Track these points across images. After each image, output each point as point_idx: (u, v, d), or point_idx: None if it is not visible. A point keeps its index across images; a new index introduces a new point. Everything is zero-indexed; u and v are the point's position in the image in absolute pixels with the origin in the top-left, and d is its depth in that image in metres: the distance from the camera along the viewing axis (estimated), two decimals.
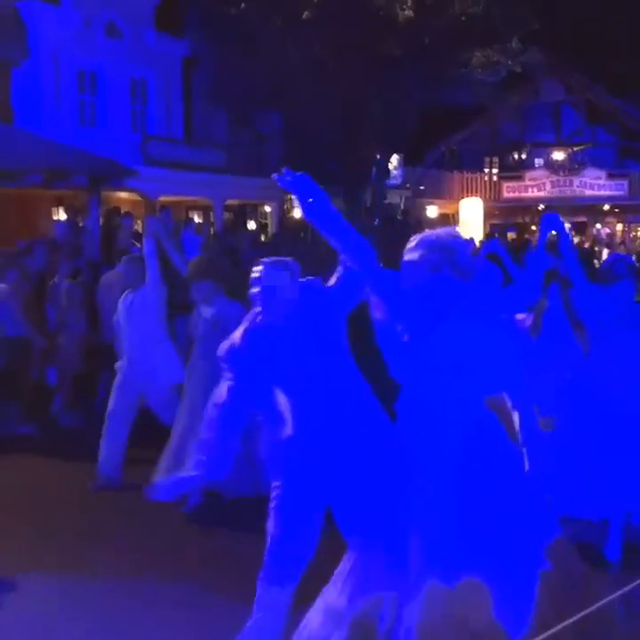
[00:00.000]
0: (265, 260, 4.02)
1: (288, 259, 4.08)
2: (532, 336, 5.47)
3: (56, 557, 5.48)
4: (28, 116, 18.27)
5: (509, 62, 21.59)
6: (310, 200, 3.69)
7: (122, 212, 16.83)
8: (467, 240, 3.58)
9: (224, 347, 3.95)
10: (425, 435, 3.35)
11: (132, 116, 21.32)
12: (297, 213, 25.44)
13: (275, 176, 3.93)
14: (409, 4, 19.94)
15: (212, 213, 21.72)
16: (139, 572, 5.19)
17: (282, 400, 3.87)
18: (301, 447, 3.80)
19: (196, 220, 22.00)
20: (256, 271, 3.94)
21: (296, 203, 4.10)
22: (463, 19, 20.25)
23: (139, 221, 18.36)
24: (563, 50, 27.66)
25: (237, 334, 3.94)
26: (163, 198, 18.78)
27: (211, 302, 6.37)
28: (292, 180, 3.82)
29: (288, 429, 3.84)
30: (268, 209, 24.38)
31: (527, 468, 3.88)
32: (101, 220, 16.02)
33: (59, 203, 18.07)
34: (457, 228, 3.68)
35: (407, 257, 3.51)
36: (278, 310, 3.87)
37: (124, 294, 7.27)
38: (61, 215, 17.63)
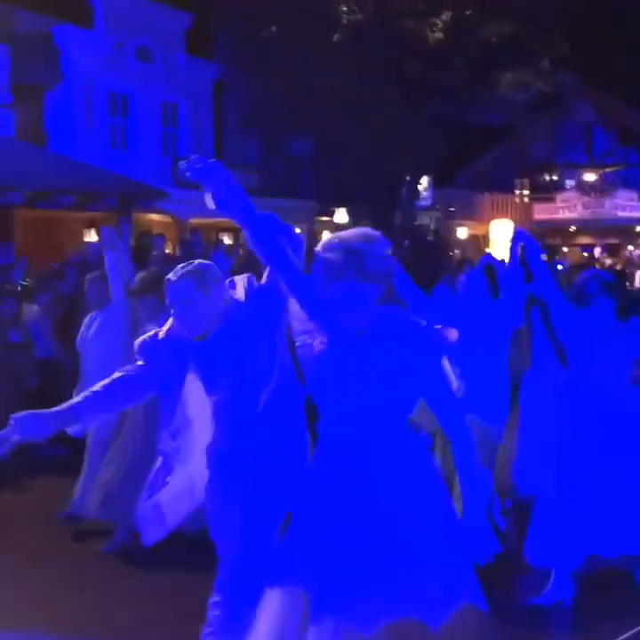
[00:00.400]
0: (173, 272, 3.67)
1: (206, 265, 3.72)
2: (525, 365, 5.31)
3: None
4: (60, 138, 18.45)
5: (540, 83, 21.54)
6: (221, 189, 3.33)
7: (153, 233, 16.92)
8: (381, 242, 3.14)
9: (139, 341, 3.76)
10: (338, 462, 3.00)
11: (163, 139, 21.47)
12: (325, 235, 25.44)
13: (182, 164, 3.50)
14: (439, 26, 19.98)
15: (242, 235, 21.73)
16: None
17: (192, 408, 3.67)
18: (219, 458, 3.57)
19: (227, 241, 22.06)
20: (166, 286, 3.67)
21: (209, 197, 3.34)
22: (494, 40, 20.24)
23: (170, 243, 18.45)
24: (594, 70, 27.56)
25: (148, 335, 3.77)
26: (193, 220, 18.83)
27: (156, 319, 5.47)
28: (202, 168, 3.40)
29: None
30: (297, 230, 24.38)
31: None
32: (132, 242, 16.09)
33: (90, 224, 18.19)
34: (372, 231, 3.21)
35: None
36: (190, 324, 3.60)
37: (89, 315, 6.73)
38: (93, 237, 17.74)
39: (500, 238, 30.50)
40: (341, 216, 24.78)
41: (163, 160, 20.32)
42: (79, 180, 15.27)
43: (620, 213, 30.88)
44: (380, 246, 3.12)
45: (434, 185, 28.84)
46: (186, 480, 3.65)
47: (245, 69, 21.13)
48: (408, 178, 23.52)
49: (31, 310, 9.31)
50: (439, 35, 20.11)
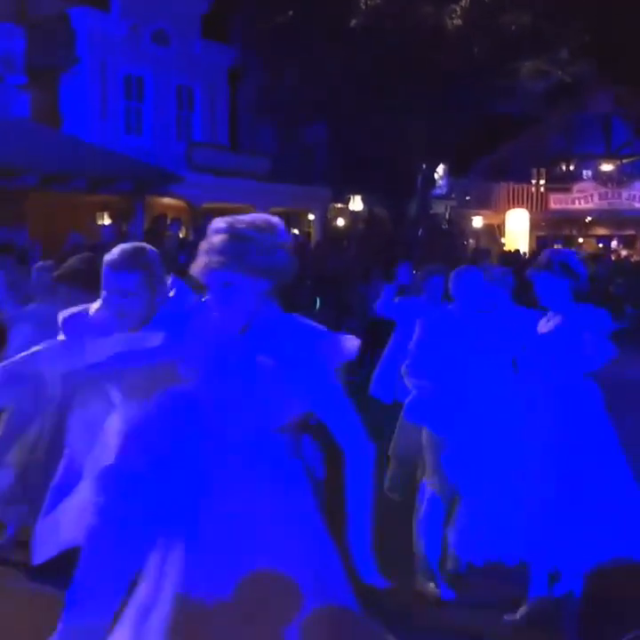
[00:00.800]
0: (116, 259, 3.29)
1: (154, 258, 3.33)
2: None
3: None
4: (75, 121, 18.40)
5: (559, 72, 21.36)
6: None
7: (169, 218, 16.89)
8: (276, 233, 2.79)
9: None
10: (210, 462, 2.81)
11: (178, 123, 21.38)
12: (340, 222, 25.36)
13: None
14: (458, 13, 19.82)
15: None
16: None
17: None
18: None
19: None
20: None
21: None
22: (513, 28, 20.07)
23: (183, 228, 18.41)
24: (613, 61, 27.31)
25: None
26: (206, 205, 18.77)
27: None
28: None
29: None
30: (311, 217, 24.32)
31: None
32: (146, 226, 16.06)
33: (104, 208, 18.15)
34: (272, 220, 2.84)
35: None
36: (126, 318, 3.24)
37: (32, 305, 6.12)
38: (106, 220, 17.71)
39: (515, 228, 30.37)
40: (356, 203, 24.70)
41: (177, 144, 20.24)
42: (93, 164, 15.22)
43: (637, 204, 30.63)
44: (271, 237, 2.78)
45: (450, 174, 28.70)
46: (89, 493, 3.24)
47: (261, 55, 21.04)
48: (424, 166, 23.39)
49: None
50: (458, 22, 19.95)
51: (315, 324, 2.84)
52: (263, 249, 2.75)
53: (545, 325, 4.49)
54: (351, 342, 2.79)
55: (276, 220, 2.84)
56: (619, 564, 4.15)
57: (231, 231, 2.75)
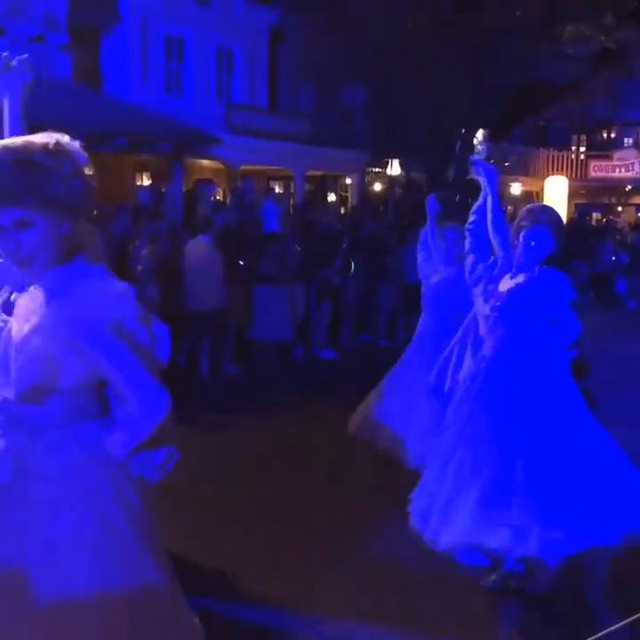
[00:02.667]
0: None
1: None
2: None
3: None
4: (115, 81, 18.48)
5: (603, 38, 21.05)
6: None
7: (207, 180, 17.02)
8: (74, 156, 2.34)
9: None
10: None
11: (218, 85, 21.40)
12: (377, 186, 25.30)
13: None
14: None
15: (292, 184, 21.74)
16: None
17: None
18: None
19: (277, 190, 22.06)
20: None
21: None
22: None
23: (220, 190, 18.50)
24: None
25: None
26: (244, 167, 18.84)
27: None
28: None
29: None
30: (348, 181, 24.29)
31: None
32: (184, 187, 16.17)
33: (143, 168, 18.28)
34: (62, 139, 2.37)
35: None
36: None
37: None
38: (145, 181, 17.85)
39: (554, 195, 30.11)
40: (394, 168, 24.61)
41: (216, 106, 20.27)
42: (133, 124, 15.33)
43: None
44: (71, 162, 2.34)
45: (489, 139, 28.44)
46: None
47: (302, 15, 20.93)
48: (463, 131, 23.21)
49: None
50: None
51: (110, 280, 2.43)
52: (63, 178, 2.30)
53: (507, 283, 4.41)
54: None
55: (65, 138, 2.40)
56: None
57: (20, 158, 2.26)
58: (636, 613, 3.97)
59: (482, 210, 4.73)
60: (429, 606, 4.37)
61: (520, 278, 4.37)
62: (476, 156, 5.00)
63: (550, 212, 4.51)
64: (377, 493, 5.97)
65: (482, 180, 4.73)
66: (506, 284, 4.40)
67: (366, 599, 4.45)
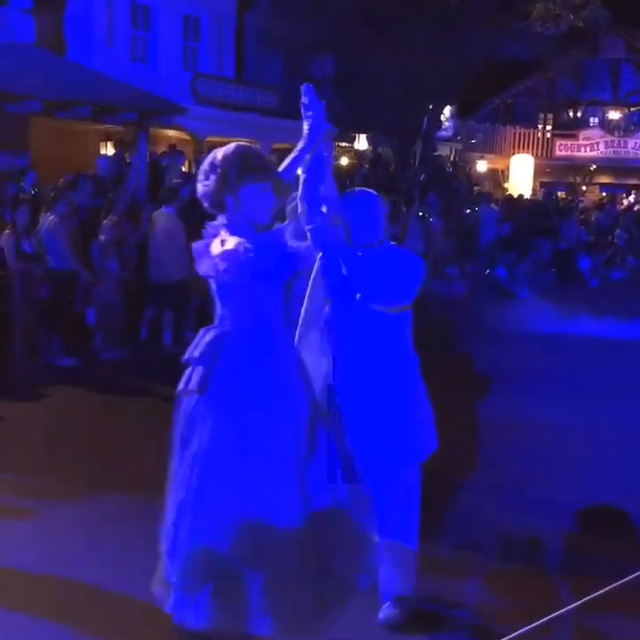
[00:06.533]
0: None
1: None
2: None
3: (83, 485, 5.55)
4: (80, 48, 18.18)
5: (571, 16, 21.10)
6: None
7: (175, 149, 16.86)
8: None
9: None
10: None
11: (184, 54, 21.14)
12: (344, 161, 25.23)
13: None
14: None
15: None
16: None
17: None
18: None
19: None
20: None
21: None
22: None
23: (187, 161, 18.33)
24: (625, 6, 26.93)
25: None
26: (210, 138, 18.67)
27: None
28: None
29: None
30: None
31: None
32: (148, 158, 15.99)
33: (107, 137, 18.05)
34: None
35: None
36: None
37: None
38: (109, 150, 17.63)
39: (519, 173, 30.23)
40: (361, 143, 24.55)
41: (183, 75, 20.02)
42: (98, 92, 15.10)
43: None
44: None
45: (456, 116, 28.48)
46: None
47: None
48: (431, 107, 23.20)
49: (46, 220, 9.31)
50: None
51: None
52: None
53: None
54: None
55: None
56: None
57: None
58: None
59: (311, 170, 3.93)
60: None
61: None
62: (307, 99, 4.01)
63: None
64: None
65: (305, 128, 4.00)
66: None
67: None
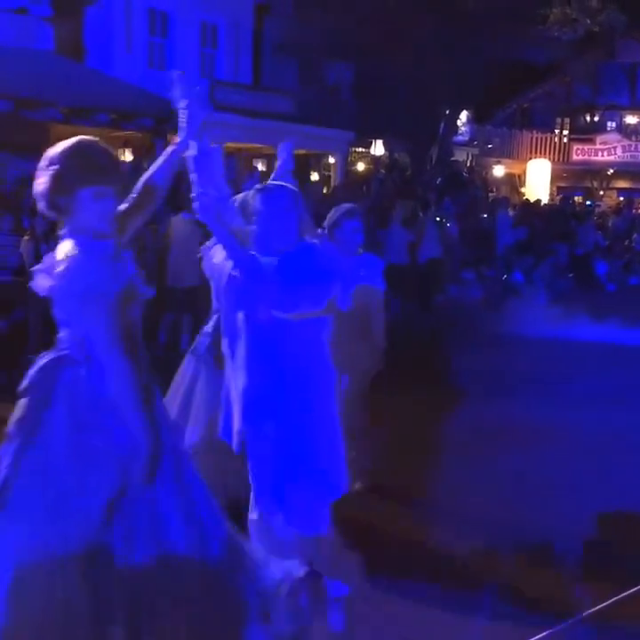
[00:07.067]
0: None
1: None
2: None
3: None
4: (99, 55, 18.32)
5: (588, 21, 21.06)
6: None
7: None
8: None
9: None
10: None
11: (201, 61, 21.25)
12: (360, 166, 25.27)
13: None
14: None
15: (275, 162, 21.61)
16: None
17: None
18: None
19: (260, 168, 21.98)
20: None
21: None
22: None
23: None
24: None
25: None
26: (227, 144, 18.75)
27: None
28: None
29: None
30: (331, 160, 24.23)
31: None
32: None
33: (125, 144, 18.15)
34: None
35: None
36: None
37: None
38: (128, 156, 17.73)
39: (536, 178, 30.18)
40: (378, 148, 24.58)
41: (200, 81, 20.11)
42: (116, 99, 15.21)
43: None
44: None
45: (473, 120, 28.46)
46: None
47: None
48: (447, 112, 23.20)
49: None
50: None
51: None
52: None
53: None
54: None
55: None
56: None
57: None
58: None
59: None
60: None
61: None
62: (178, 87, 3.61)
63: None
64: None
65: (181, 120, 3.63)
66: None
67: None
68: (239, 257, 3.40)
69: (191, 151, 3.57)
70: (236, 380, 3.58)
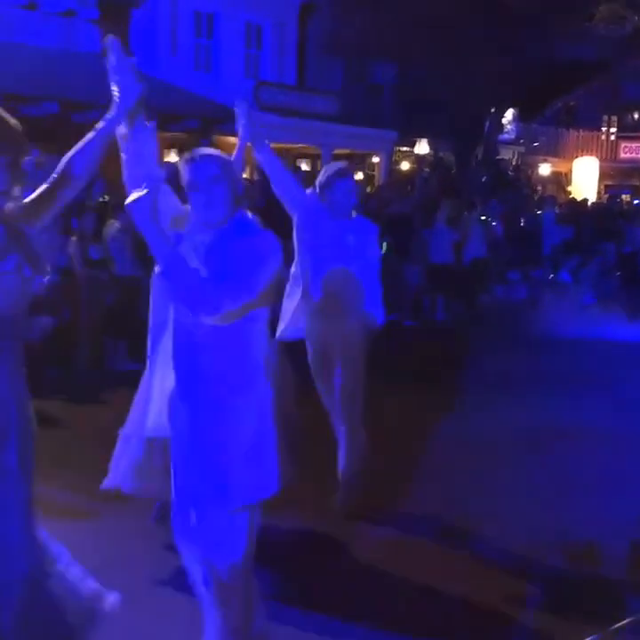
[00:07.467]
0: None
1: None
2: None
3: None
4: (144, 57, 18.47)
5: (636, 17, 20.80)
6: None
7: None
8: None
9: None
10: None
11: (246, 61, 21.35)
12: (405, 165, 25.21)
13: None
14: None
15: (319, 162, 21.68)
16: None
17: None
18: None
19: (304, 168, 22.02)
20: None
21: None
22: None
23: (248, 167, 18.48)
24: None
25: None
26: (272, 145, 18.78)
27: None
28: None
29: None
30: (375, 160, 24.20)
31: None
32: None
33: (171, 145, 18.30)
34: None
35: None
36: None
37: None
38: (173, 158, 17.87)
39: (583, 176, 29.88)
40: (422, 147, 24.50)
41: (245, 82, 20.24)
42: (162, 100, 15.33)
43: None
44: None
45: (519, 118, 28.25)
46: None
47: None
48: (492, 110, 23.08)
49: (112, 227, 9.48)
50: None
51: None
52: None
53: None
54: None
55: None
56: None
57: None
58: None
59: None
60: None
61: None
62: (114, 58, 3.16)
63: None
64: None
65: (114, 96, 3.21)
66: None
67: None
68: (162, 255, 2.89)
69: (122, 130, 3.16)
70: (162, 381, 3.27)
